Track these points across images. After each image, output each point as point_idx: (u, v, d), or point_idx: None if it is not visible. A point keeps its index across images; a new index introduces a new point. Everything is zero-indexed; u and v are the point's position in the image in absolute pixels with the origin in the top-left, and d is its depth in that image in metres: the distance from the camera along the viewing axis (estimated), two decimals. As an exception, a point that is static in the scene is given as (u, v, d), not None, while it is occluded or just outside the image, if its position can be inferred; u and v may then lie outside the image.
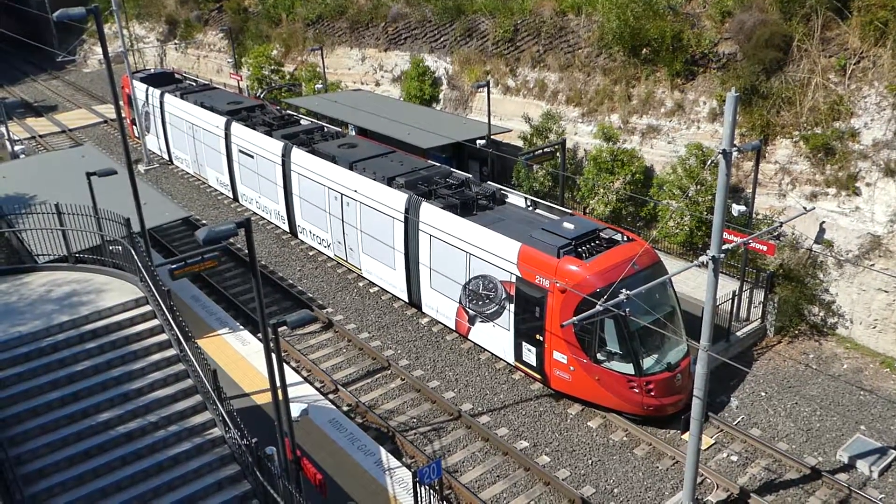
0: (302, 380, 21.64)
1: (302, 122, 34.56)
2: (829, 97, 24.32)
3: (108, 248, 19.76)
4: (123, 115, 38.87)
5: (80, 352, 17.11)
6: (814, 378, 21.68)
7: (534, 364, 21.05)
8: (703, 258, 14.58)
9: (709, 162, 25.26)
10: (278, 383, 14.31)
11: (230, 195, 36.01)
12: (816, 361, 22.59)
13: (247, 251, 14.11)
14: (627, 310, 15.99)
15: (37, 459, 15.32)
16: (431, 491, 15.41)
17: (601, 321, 19.02)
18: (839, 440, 19.25)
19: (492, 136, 31.07)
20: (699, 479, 17.15)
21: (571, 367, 19.91)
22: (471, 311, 22.88)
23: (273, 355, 14.18)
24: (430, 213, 23.63)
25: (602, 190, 28.66)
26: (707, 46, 27.94)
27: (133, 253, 18.54)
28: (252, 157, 32.40)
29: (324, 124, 33.56)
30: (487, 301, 21.99)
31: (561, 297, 19.44)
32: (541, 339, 20.43)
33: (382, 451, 18.53)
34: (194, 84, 43.90)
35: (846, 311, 23.49)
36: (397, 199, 24.73)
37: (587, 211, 29.44)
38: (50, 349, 16.97)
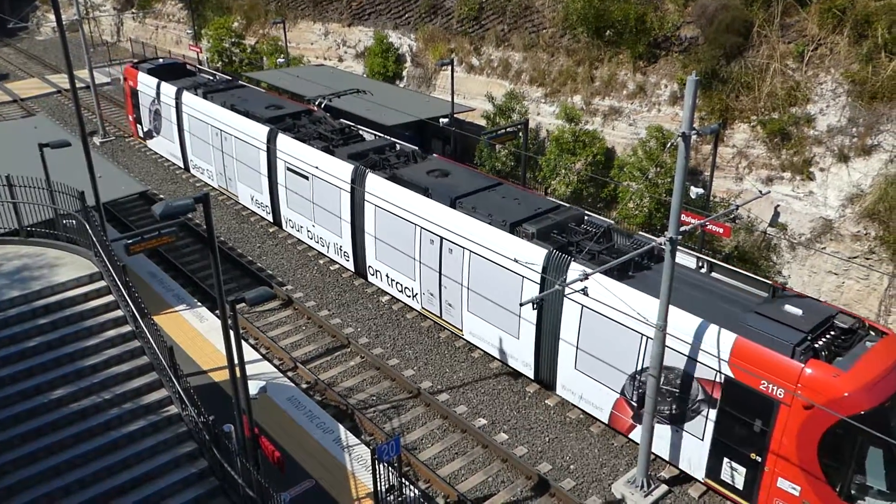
0: (261, 357, 21.53)
1: (364, 135, 28.82)
2: (787, 83, 24.72)
3: (62, 222, 19.33)
4: (125, 110, 37.41)
5: (32, 328, 16.79)
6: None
7: (740, 488, 16.46)
8: (661, 239, 14.80)
9: (668, 144, 25.50)
10: (236, 360, 14.21)
11: (269, 217, 30.32)
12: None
13: (205, 227, 13.90)
14: None
15: (-13, 437, 15.05)
16: (390, 468, 15.50)
17: (862, 446, 14.69)
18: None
19: (455, 115, 30.99)
20: (652, 457, 17.51)
21: (806, 502, 15.53)
22: (639, 407, 17.95)
23: (231, 332, 14.06)
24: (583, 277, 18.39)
25: (563, 171, 28.83)
26: (669, 30, 28.14)
27: (87, 227, 18.18)
28: (307, 178, 26.70)
29: (395, 140, 27.70)
30: (671, 399, 17.19)
31: (803, 414, 14.80)
32: (758, 459, 15.86)
33: (341, 428, 18.56)
34: (213, 79, 37.06)
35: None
36: (530, 253, 19.37)
37: (548, 191, 29.62)
38: (0, 324, 16.59)
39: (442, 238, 21.67)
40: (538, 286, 19.15)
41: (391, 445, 15.06)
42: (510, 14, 34.08)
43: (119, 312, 17.74)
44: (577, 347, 18.86)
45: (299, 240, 29.09)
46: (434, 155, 26.92)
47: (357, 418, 19.68)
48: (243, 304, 13.80)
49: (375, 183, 23.83)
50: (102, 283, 18.08)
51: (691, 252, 19.39)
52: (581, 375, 19.10)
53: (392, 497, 15.62)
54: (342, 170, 24.93)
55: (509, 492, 17.37)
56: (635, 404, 17.96)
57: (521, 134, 29.24)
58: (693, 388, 16.57)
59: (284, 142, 27.49)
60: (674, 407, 17.17)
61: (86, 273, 18.10)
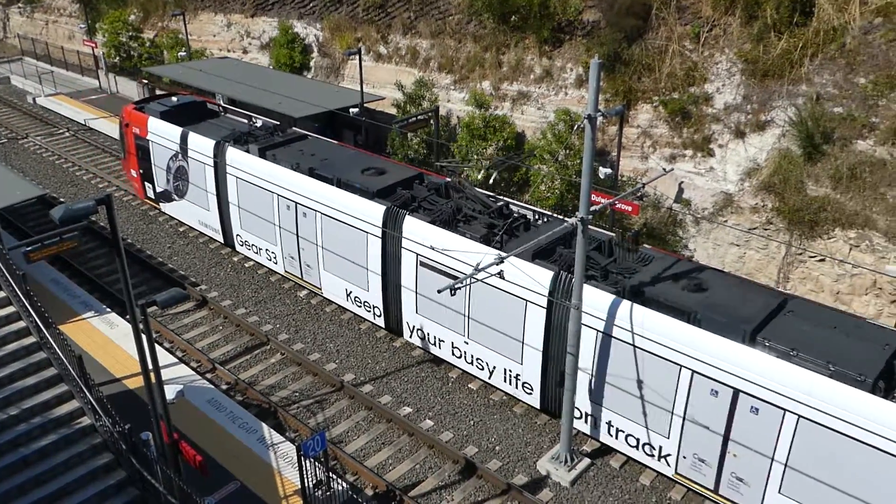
0: (177, 360, 20.95)
1: (526, 213, 20.71)
2: (685, 64, 25.62)
3: (-48, 232, 18.28)
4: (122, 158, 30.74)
5: (-75, 346, 15.86)
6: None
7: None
8: (572, 220, 15.14)
9: (576, 127, 26.10)
10: (150, 366, 13.79)
11: (379, 322, 22.53)
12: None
13: (110, 229, 13.41)
14: None
15: None
16: (317, 463, 15.40)
17: None
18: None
19: (365, 104, 30.80)
20: (574, 432, 17.99)
21: None
22: None
23: (143, 337, 13.64)
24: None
25: (476, 156, 29.08)
26: (572, 14, 28.69)
27: (-19, 236, 17.25)
28: (483, 288, 18.67)
29: (592, 229, 18.64)
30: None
31: None
32: None
33: (265, 427, 18.29)
34: (250, 122, 28.43)
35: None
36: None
37: (462, 177, 29.83)
38: None
39: (680, 366, 15.76)
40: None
41: (317, 440, 14.95)
42: (416, 1, 34.03)
43: (21, 324, 16.95)
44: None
45: (212, 238, 28.28)
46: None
47: (281, 416, 19.43)
48: (155, 307, 13.40)
49: (597, 301, 16.69)
50: (1, 294, 17.20)
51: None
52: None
53: (320, 492, 15.53)
54: (540, 276, 17.58)
55: (437, 477, 17.53)
56: None
57: (432, 121, 29.35)
58: None
59: (414, 226, 20.10)
60: None
61: (-18, 284, 17.20)
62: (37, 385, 16.12)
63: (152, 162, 28.89)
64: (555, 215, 20.53)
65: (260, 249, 25.74)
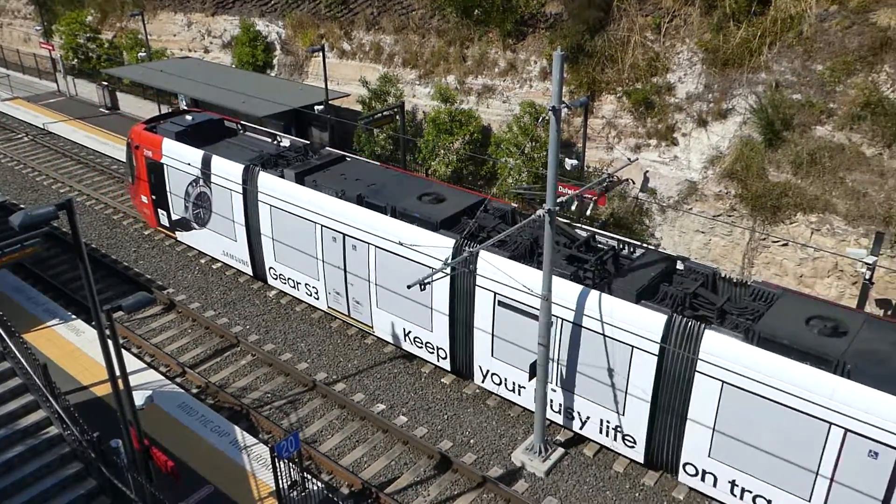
0: (145, 366, 20.68)
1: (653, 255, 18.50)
2: (647, 54, 25.84)
3: None
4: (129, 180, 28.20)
5: None
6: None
7: None
8: (539, 211, 15.20)
9: (540, 119, 26.21)
10: (117, 372, 13.60)
11: (444, 366, 20.56)
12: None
13: (72, 234, 13.17)
14: None
15: None
16: (291, 464, 15.31)
17: None
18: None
19: (330, 101, 30.63)
20: (547, 423, 18.11)
21: None
22: None
23: (110, 343, 13.43)
24: None
25: (443, 151, 29.08)
26: (535, 7, 28.78)
27: (-62, 245, 16.82)
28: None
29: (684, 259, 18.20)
30: None
31: None
32: None
33: (237, 429, 18.15)
34: (274, 142, 26.42)
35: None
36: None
37: (429, 172, 29.81)
38: None
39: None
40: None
41: (290, 441, 14.87)
42: (378, -3, 33.90)
43: (-17, 334, 16.60)
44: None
45: (178, 241, 27.93)
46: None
47: (253, 418, 19.29)
48: (121, 312, 13.20)
49: (724, 348, 15.13)
50: (-39, 304, 16.85)
51: None
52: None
53: (295, 493, 15.45)
54: (643, 320, 15.99)
55: (412, 473, 17.54)
56: None
57: (397, 117, 29.28)
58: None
59: (491, 262, 18.10)
60: None
61: (-59, 295, 16.82)
62: (1, 396, 15.81)
63: (167, 188, 26.34)
64: (645, 245, 18.93)
65: (298, 284, 23.45)
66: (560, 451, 18.00)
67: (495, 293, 18.16)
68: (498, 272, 17.83)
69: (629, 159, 25.11)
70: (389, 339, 21.57)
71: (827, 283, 21.76)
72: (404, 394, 20.25)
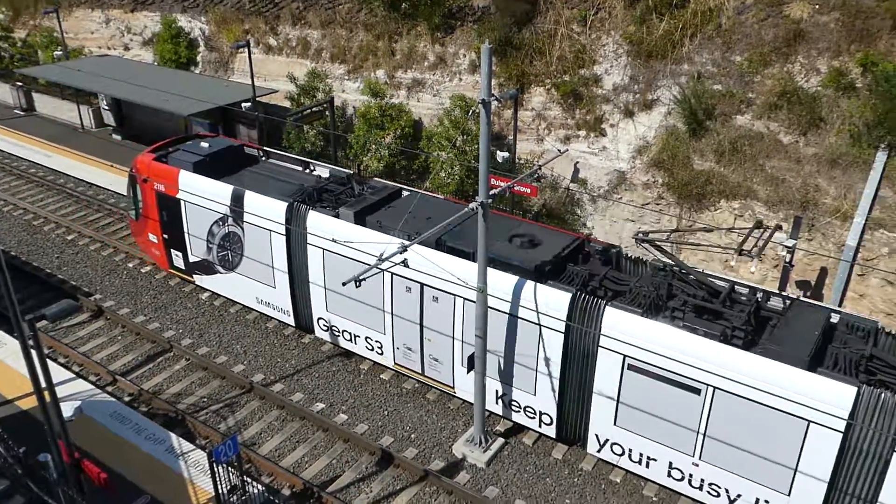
0: (73, 376, 19.98)
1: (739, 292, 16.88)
2: (574, 46, 26.25)
3: None
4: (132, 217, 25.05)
5: None
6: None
7: None
8: (472, 204, 15.29)
9: (471, 112, 26.39)
10: (43, 384, 13.12)
11: (546, 430, 18.11)
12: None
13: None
14: None
15: None
16: (230, 468, 15.06)
17: None
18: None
19: (257, 98, 30.13)
20: (487, 413, 18.28)
21: None
22: None
23: (34, 353, 12.94)
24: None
25: (374, 146, 28.95)
26: (462, 0, 28.87)
27: None
28: (697, 392, 15.24)
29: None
30: None
31: None
32: None
33: (173, 436, 17.73)
34: (310, 172, 23.24)
35: (602, 242, 25.99)
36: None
37: (361, 168, 29.62)
38: None
39: None
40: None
41: (228, 445, 14.62)
42: (304, -9, 33.47)
43: None
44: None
45: (105, 244, 27.02)
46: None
47: (189, 423, 18.88)
48: (44, 322, 12.74)
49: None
50: None
51: None
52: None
53: (235, 497, 15.19)
54: (820, 390, 13.96)
55: (354, 470, 17.48)
56: None
57: (327, 113, 29.02)
58: None
59: (618, 321, 15.89)
60: None
61: None
62: (-82, 414, 15.08)
63: (185, 226, 23.08)
64: (790, 296, 16.58)
65: (356, 337, 20.60)
66: (500, 441, 18.20)
67: (625, 356, 15.91)
68: (627, 332, 15.73)
69: (559, 150, 25.48)
70: (473, 400, 18.10)
71: (750, 266, 22.56)
72: (343, 391, 20.13)
